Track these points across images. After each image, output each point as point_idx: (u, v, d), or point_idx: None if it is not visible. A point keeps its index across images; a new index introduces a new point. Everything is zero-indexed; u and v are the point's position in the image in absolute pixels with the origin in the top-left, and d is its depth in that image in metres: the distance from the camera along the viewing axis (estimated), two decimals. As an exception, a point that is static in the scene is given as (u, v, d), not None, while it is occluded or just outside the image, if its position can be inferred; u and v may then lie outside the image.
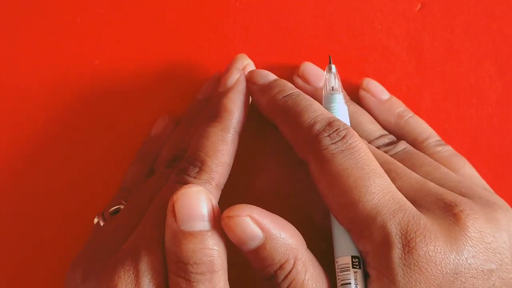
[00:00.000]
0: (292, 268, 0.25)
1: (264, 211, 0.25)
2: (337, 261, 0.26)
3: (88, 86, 0.35)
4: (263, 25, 0.35)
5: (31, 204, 0.35)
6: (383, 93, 0.34)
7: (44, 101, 0.35)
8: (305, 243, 0.26)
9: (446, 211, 0.25)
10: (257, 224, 0.25)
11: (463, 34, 0.34)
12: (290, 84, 0.30)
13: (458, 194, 0.27)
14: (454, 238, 0.24)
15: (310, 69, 0.33)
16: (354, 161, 0.26)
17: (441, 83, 0.34)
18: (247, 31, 0.35)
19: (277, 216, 0.26)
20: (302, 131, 0.27)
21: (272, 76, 0.31)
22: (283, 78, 0.31)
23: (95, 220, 0.32)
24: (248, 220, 0.25)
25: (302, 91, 0.32)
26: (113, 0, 0.36)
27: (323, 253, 0.27)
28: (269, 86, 0.30)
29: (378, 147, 0.30)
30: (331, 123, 0.27)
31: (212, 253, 0.25)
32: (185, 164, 0.28)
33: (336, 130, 0.27)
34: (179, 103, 0.35)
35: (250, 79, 0.31)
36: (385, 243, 0.24)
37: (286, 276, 0.25)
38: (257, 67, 0.34)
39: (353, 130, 0.27)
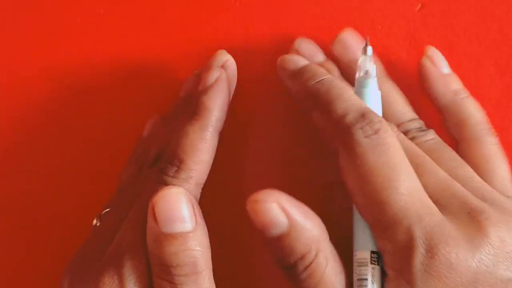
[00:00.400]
0: (314, 259, 0.25)
1: (292, 198, 0.25)
2: (355, 255, 0.25)
3: (88, 86, 0.35)
4: (263, 25, 0.35)
5: (28, 206, 0.35)
6: (445, 66, 0.32)
7: (44, 101, 0.35)
8: (328, 234, 0.25)
9: (470, 217, 0.25)
10: (283, 210, 0.24)
11: (463, 34, 0.34)
12: (322, 69, 0.29)
13: (480, 198, 0.26)
14: (476, 245, 0.24)
15: (350, 37, 0.32)
16: (385, 159, 0.25)
17: (441, 83, 0.34)
18: (247, 31, 0.35)
19: (303, 204, 0.25)
20: (333, 120, 0.27)
21: (303, 61, 0.30)
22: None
23: (94, 222, 0.31)
24: (274, 207, 0.24)
25: (340, 60, 0.32)
26: (113, 0, 0.36)
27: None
28: (300, 71, 0.29)
29: (408, 131, 0.30)
30: (364, 114, 0.26)
31: (195, 254, 0.24)
32: (164, 164, 0.28)
33: (370, 122, 0.26)
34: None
35: (280, 65, 0.30)
36: (408, 246, 0.24)
37: (306, 267, 0.24)
38: (257, 67, 0.34)
39: (387, 123, 0.26)
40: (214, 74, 0.30)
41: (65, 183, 0.35)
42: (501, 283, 0.24)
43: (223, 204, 0.28)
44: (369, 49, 0.30)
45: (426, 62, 0.32)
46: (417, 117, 0.31)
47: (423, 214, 0.24)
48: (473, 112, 0.31)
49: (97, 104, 0.35)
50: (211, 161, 0.29)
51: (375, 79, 0.29)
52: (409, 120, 0.30)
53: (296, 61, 0.30)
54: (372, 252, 0.25)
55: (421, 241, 0.24)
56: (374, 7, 0.35)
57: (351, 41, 0.32)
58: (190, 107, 0.30)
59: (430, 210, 0.25)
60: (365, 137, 0.25)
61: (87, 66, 0.35)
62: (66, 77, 0.35)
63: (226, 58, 0.32)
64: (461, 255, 0.24)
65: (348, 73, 0.32)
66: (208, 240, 0.25)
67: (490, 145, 0.30)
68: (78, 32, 0.35)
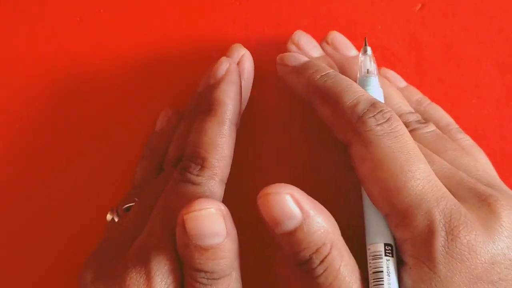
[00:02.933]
0: (329, 253, 0.24)
1: (303, 192, 0.25)
2: (369, 248, 0.25)
3: (88, 86, 0.35)
4: (263, 25, 0.35)
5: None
6: (400, 81, 0.33)
7: (44, 101, 0.35)
8: (339, 230, 0.25)
9: (481, 201, 0.25)
10: (297, 204, 0.24)
11: (463, 34, 0.34)
12: (324, 64, 0.29)
13: (486, 184, 0.26)
14: (490, 228, 0.24)
15: (340, 37, 0.33)
16: (400, 145, 0.25)
17: (441, 83, 0.34)
18: (247, 31, 0.35)
19: (314, 200, 0.25)
20: (344, 111, 0.26)
21: (304, 58, 0.30)
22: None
23: (108, 217, 0.31)
24: (288, 198, 0.24)
25: (332, 58, 0.32)
26: (113, 0, 0.36)
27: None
28: (304, 66, 0.29)
29: (408, 122, 0.30)
30: (374, 104, 0.26)
31: (225, 261, 0.25)
32: (186, 162, 0.28)
33: (381, 111, 0.26)
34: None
35: (281, 62, 0.30)
36: (428, 230, 0.24)
37: (322, 261, 0.24)
38: (257, 67, 0.34)
39: (396, 114, 0.26)
40: (223, 67, 0.30)
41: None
42: None
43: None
44: (369, 49, 0.31)
45: (383, 83, 0.32)
46: (413, 110, 0.31)
47: (440, 197, 0.24)
48: (440, 116, 0.32)
49: (98, 104, 0.35)
50: (232, 154, 0.29)
51: (377, 77, 0.30)
52: (408, 113, 0.31)
53: (298, 57, 0.30)
54: (386, 244, 0.25)
55: (441, 224, 0.24)
56: (374, 7, 0.35)
57: (341, 41, 0.33)
58: (203, 102, 0.30)
59: (445, 193, 0.25)
60: (378, 125, 0.25)
61: (87, 66, 0.35)
62: (66, 77, 0.35)
63: (242, 52, 0.32)
64: (479, 237, 0.24)
65: (343, 70, 0.32)
66: (237, 243, 0.25)
67: (464, 141, 0.31)
68: (78, 32, 0.35)
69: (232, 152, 0.29)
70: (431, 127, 0.30)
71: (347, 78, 0.28)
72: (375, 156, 0.25)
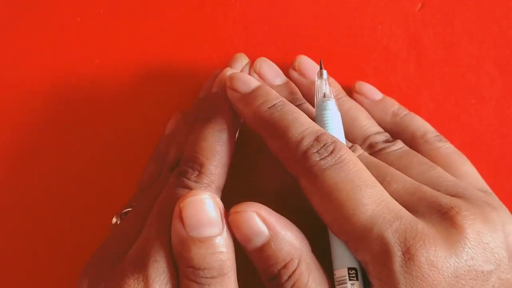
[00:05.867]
0: (296, 268, 0.25)
1: (270, 210, 0.25)
2: (335, 274, 0.26)
3: (88, 86, 0.35)
4: (263, 25, 0.35)
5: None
6: (376, 94, 0.34)
7: (44, 101, 0.35)
8: (309, 246, 0.26)
9: (442, 214, 0.25)
10: (263, 221, 0.25)
11: (463, 34, 0.34)
12: (274, 92, 0.29)
13: (454, 194, 0.27)
14: (452, 241, 0.24)
15: (306, 62, 0.33)
16: (344, 175, 0.25)
17: (441, 83, 0.34)
18: (247, 31, 0.35)
19: (282, 217, 0.26)
20: (290, 147, 0.27)
21: (254, 83, 0.29)
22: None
23: (113, 220, 0.31)
24: (254, 216, 0.25)
25: (297, 84, 0.32)
26: (113, 0, 0.36)
27: (326, 255, 0.27)
28: (252, 95, 0.29)
29: (375, 143, 0.30)
30: (318, 138, 0.26)
31: (222, 257, 0.25)
32: (184, 168, 0.28)
33: (324, 145, 0.26)
34: (180, 102, 0.35)
35: (230, 86, 0.29)
36: (384, 252, 0.24)
37: (290, 276, 0.25)
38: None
39: (341, 142, 0.27)
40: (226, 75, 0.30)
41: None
42: (482, 275, 0.24)
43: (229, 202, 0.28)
44: (324, 73, 0.31)
45: (357, 97, 0.33)
46: (382, 130, 0.32)
47: (392, 218, 0.24)
48: (418, 124, 0.32)
49: (98, 104, 0.35)
50: (229, 163, 0.29)
51: (333, 100, 0.30)
52: (376, 133, 0.31)
53: (248, 82, 0.29)
54: (350, 268, 0.25)
55: (396, 244, 0.24)
56: (374, 7, 0.35)
57: (308, 65, 0.33)
58: (205, 109, 0.30)
59: (399, 213, 0.25)
60: (321, 159, 0.26)
61: (88, 66, 0.35)
62: (66, 77, 0.35)
63: (245, 62, 0.33)
64: (439, 252, 0.24)
65: (310, 95, 0.32)
66: (233, 244, 0.26)
67: (444, 149, 0.31)
68: (78, 32, 0.35)
69: (230, 160, 0.29)
70: (399, 145, 0.30)
71: (294, 109, 0.28)
72: (321, 189, 0.25)
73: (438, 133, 0.32)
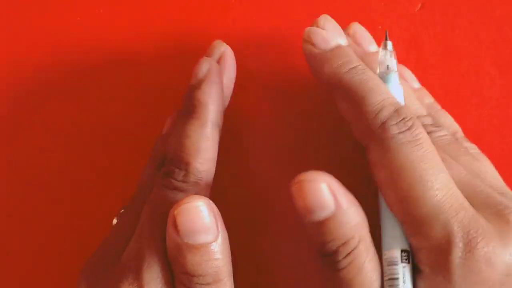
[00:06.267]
0: (356, 247, 0.24)
1: (339, 183, 0.24)
2: (384, 254, 0.25)
3: (88, 86, 0.35)
4: (263, 25, 0.35)
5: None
6: (415, 82, 0.33)
7: (44, 101, 0.35)
8: (368, 226, 0.25)
9: (497, 212, 0.25)
10: (332, 194, 0.24)
11: (463, 34, 0.34)
12: (354, 55, 0.28)
13: (501, 193, 0.26)
14: (506, 239, 0.24)
15: (361, 30, 0.32)
16: (420, 154, 0.25)
17: (441, 83, 0.34)
18: (247, 31, 0.35)
19: (348, 191, 0.25)
20: (367, 114, 0.26)
21: (334, 41, 0.28)
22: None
23: (114, 221, 0.31)
24: (324, 188, 0.24)
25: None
26: (113, 0, 0.36)
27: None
28: (333, 54, 0.28)
29: (425, 125, 0.29)
30: (398, 111, 0.26)
31: (217, 263, 0.24)
32: (170, 167, 0.28)
33: (403, 119, 0.25)
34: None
35: (308, 39, 0.29)
36: (446, 241, 0.24)
37: (348, 254, 0.24)
38: (257, 67, 0.34)
39: (418, 120, 0.26)
40: (205, 66, 0.30)
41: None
42: None
43: (225, 202, 0.28)
44: (389, 44, 0.29)
45: (401, 81, 0.31)
46: (427, 113, 0.31)
47: (458, 208, 0.24)
48: (448, 123, 0.31)
49: (98, 104, 0.35)
50: (216, 157, 0.28)
51: (397, 73, 0.29)
52: (425, 116, 0.30)
53: (328, 39, 0.28)
54: (403, 250, 0.24)
55: (459, 235, 0.23)
56: (374, 7, 0.35)
57: (363, 34, 0.32)
58: (184, 103, 0.29)
59: (464, 204, 0.24)
60: (400, 133, 0.25)
61: (88, 66, 0.35)
62: (66, 77, 0.35)
63: (223, 49, 0.32)
64: (496, 249, 0.23)
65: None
66: (229, 246, 0.25)
67: (471, 150, 0.30)
68: (78, 32, 0.35)
69: (216, 154, 0.28)
70: (445, 131, 0.29)
71: (374, 76, 0.27)
72: (394, 164, 0.25)
73: (464, 135, 0.31)
